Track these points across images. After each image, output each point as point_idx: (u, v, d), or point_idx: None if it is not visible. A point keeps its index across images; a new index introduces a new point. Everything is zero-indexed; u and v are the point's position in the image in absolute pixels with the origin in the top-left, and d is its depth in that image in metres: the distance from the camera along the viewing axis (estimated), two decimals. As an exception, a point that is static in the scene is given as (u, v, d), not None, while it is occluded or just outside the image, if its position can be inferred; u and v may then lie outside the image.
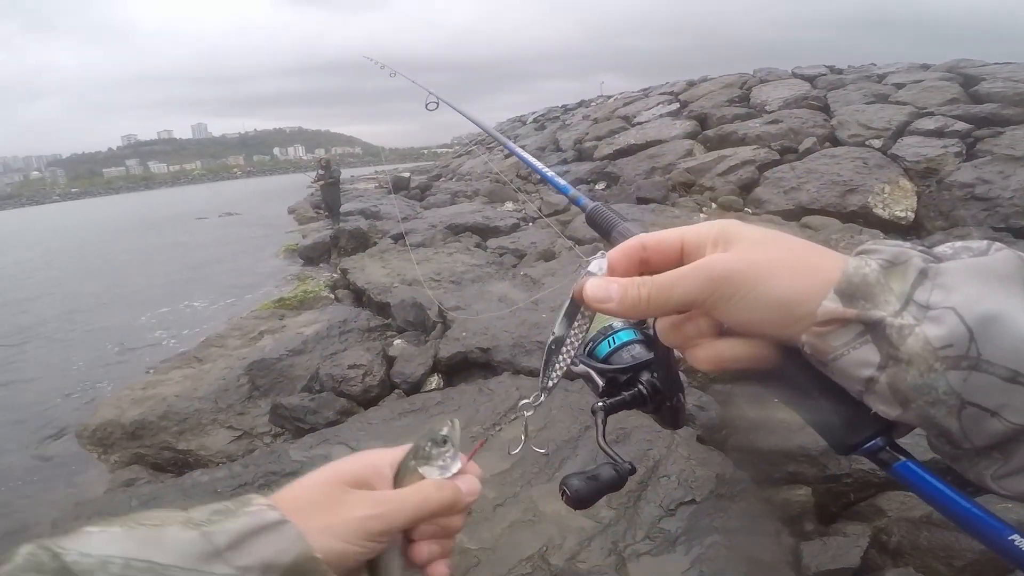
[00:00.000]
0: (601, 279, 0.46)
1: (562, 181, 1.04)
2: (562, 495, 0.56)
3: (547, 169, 1.10)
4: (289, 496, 0.46)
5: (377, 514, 0.45)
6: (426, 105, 2.03)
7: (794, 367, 0.42)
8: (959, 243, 0.38)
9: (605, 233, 0.66)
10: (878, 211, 7.18)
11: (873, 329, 0.35)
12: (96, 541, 0.36)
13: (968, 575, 2.08)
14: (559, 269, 5.44)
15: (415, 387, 3.99)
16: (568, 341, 0.52)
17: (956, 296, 0.34)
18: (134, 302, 9.43)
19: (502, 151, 19.96)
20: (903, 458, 0.41)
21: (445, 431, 0.52)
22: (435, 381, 4.03)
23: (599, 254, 0.49)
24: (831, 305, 0.36)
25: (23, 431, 5.12)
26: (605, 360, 0.61)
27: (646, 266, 0.45)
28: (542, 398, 0.54)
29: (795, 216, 7.57)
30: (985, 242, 0.37)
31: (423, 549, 0.48)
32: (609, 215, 0.68)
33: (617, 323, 0.60)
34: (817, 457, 2.76)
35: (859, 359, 0.36)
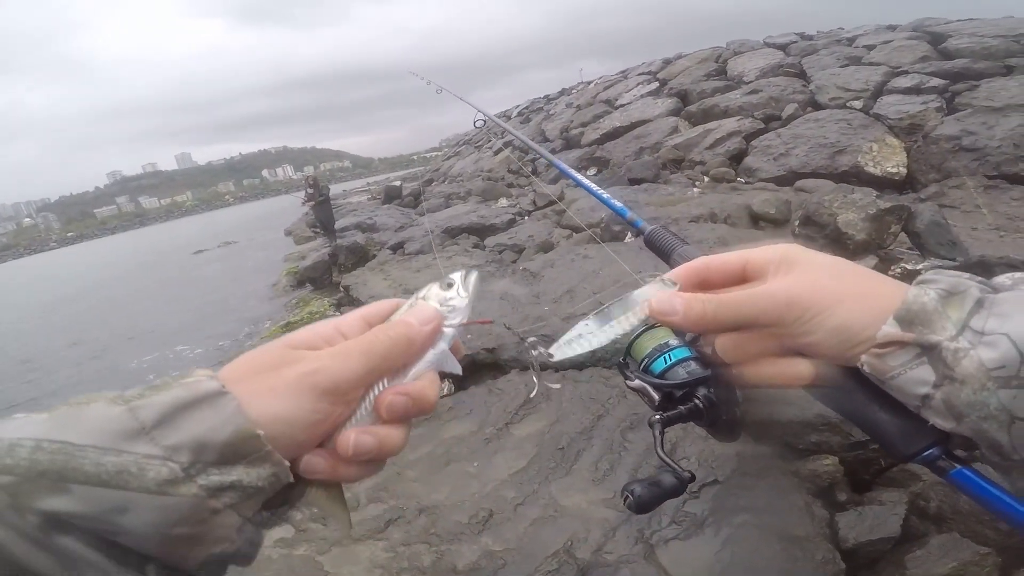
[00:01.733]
0: (667, 293, 0.48)
1: (618, 203, 1.01)
2: (624, 500, 0.60)
3: (599, 188, 1.06)
4: (232, 366, 0.41)
5: (323, 366, 0.40)
6: (474, 123, 2.05)
7: (852, 384, 0.45)
8: (1019, 274, 0.43)
9: (665, 255, 0.67)
10: (870, 169, 7.26)
11: (929, 351, 0.38)
12: (12, 426, 0.33)
13: (1015, 537, 2.04)
14: (557, 260, 5.43)
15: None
16: (597, 333, 0.51)
17: (1010, 324, 0.37)
18: (143, 344, 9.47)
19: (491, 147, 19.95)
20: (959, 466, 0.46)
21: (455, 276, 0.48)
22: (446, 387, 4.04)
23: (460, 275, 0.48)
24: (890, 329, 0.40)
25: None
26: (661, 376, 0.65)
27: (707, 286, 0.49)
28: (554, 357, 0.53)
29: (788, 181, 7.61)
30: None
31: (385, 397, 0.42)
32: (669, 237, 0.68)
33: (673, 340, 0.64)
34: (839, 424, 2.72)
35: (916, 378, 0.39)
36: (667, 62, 16.09)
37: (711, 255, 0.50)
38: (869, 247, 4.48)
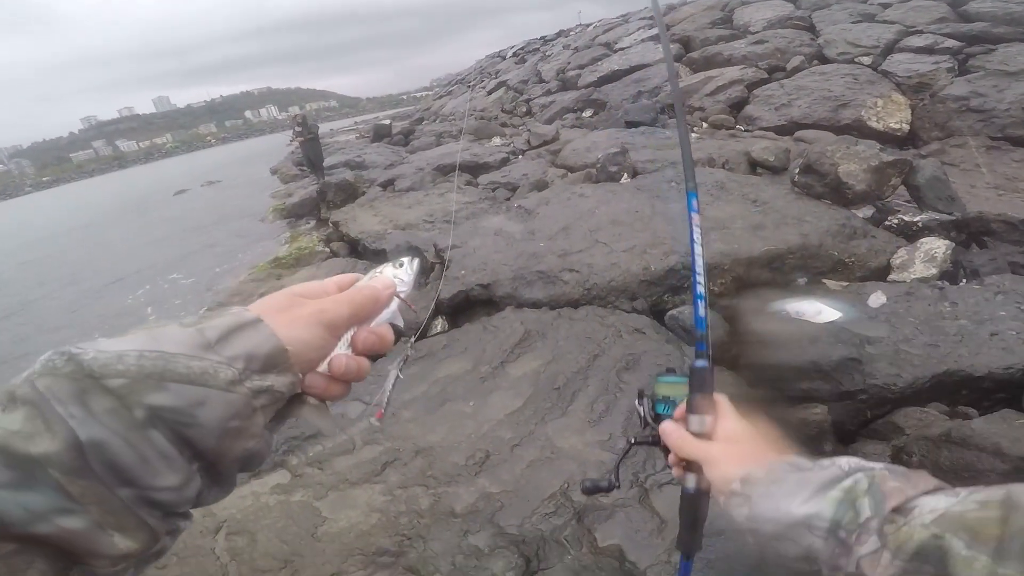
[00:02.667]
0: (675, 428, 0.79)
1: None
2: (581, 484, 0.98)
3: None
4: (256, 305, 0.51)
5: (324, 307, 0.53)
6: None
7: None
8: (842, 461, 0.63)
9: (695, 389, 0.80)
10: (872, 124, 7.21)
11: (746, 499, 0.65)
12: (108, 343, 0.40)
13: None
14: (553, 198, 5.32)
15: (421, 333, 3.96)
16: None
17: (780, 492, 0.63)
18: (128, 284, 9.30)
19: (484, 87, 19.36)
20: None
21: (404, 259, 0.65)
22: (440, 324, 4.00)
23: (407, 259, 0.64)
24: (735, 487, 0.67)
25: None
26: (656, 416, 0.90)
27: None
28: None
29: (788, 131, 7.52)
30: (865, 466, 0.61)
31: (361, 334, 0.56)
32: (711, 382, 0.81)
33: (680, 399, 0.84)
34: (830, 373, 2.73)
35: (737, 511, 0.67)
36: (671, 8, 15.61)
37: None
38: (868, 198, 4.45)
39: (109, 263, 11.24)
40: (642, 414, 0.92)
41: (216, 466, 0.43)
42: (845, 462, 0.62)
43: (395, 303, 0.61)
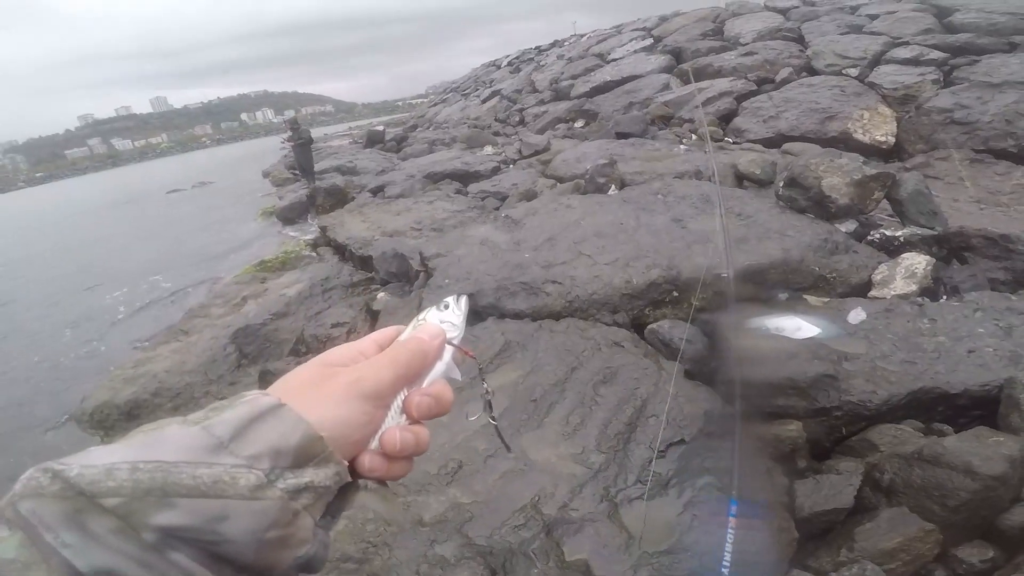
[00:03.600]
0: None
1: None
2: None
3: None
4: (278, 386, 0.45)
5: (361, 375, 0.46)
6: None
7: None
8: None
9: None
10: (858, 136, 7.26)
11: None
12: (97, 454, 0.35)
13: (961, 514, 2.04)
14: (540, 208, 5.32)
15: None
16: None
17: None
18: (115, 282, 9.22)
19: (478, 95, 19.45)
20: None
21: (449, 300, 0.57)
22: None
23: (453, 299, 0.57)
24: None
25: (24, 423, 4.97)
26: None
27: None
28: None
29: (775, 143, 7.57)
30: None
31: (413, 399, 0.49)
32: None
33: None
34: (806, 389, 2.73)
35: None
36: (663, 19, 15.80)
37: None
38: (851, 212, 4.47)
39: (89, 263, 11.14)
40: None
41: None
42: None
43: (448, 353, 0.53)
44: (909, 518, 2.06)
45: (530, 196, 6.40)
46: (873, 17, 10.57)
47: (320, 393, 0.43)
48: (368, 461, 0.45)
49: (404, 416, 0.48)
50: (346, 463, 0.42)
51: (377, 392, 0.45)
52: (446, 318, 0.54)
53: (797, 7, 12.97)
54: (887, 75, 8.25)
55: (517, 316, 3.72)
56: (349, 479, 0.43)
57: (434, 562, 2.02)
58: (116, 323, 7.20)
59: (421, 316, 0.55)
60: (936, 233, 4.19)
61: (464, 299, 0.57)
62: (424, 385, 0.50)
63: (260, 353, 4.74)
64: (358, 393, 0.44)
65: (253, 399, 0.40)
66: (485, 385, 0.60)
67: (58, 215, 24.91)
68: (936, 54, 8.31)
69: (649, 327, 3.42)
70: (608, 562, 1.95)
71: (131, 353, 5.59)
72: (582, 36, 20.58)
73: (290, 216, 10.07)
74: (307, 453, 0.39)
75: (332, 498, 0.41)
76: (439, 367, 0.52)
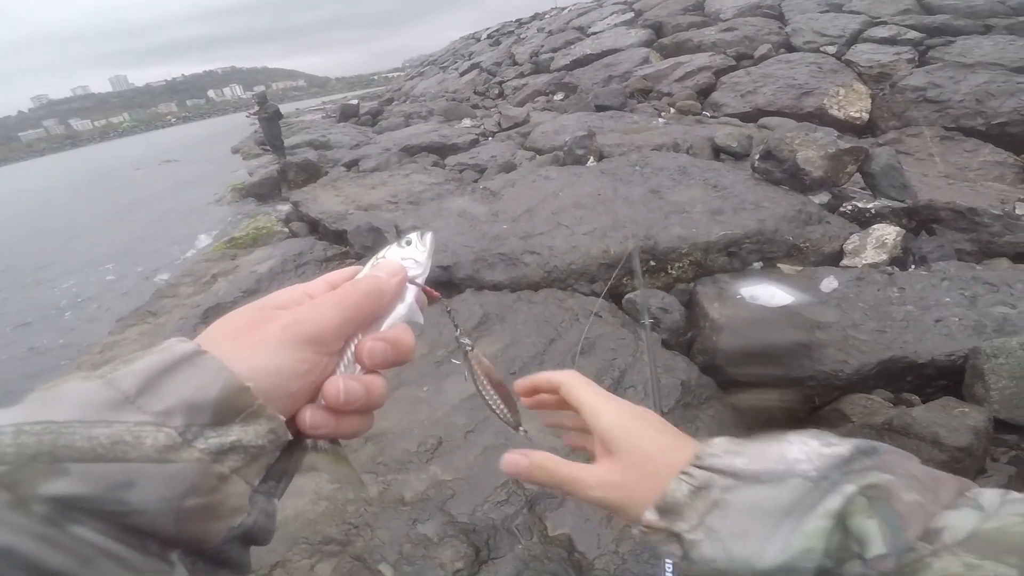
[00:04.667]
0: (516, 454, 0.54)
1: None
2: None
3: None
4: (208, 332, 0.39)
5: (300, 317, 0.40)
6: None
7: None
8: (790, 455, 0.43)
9: None
10: (833, 112, 7.34)
11: (676, 537, 0.45)
12: None
13: None
14: (519, 180, 5.26)
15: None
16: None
17: (727, 527, 0.42)
18: (83, 262, 8.93)
19: (457, 68, 19.12)
20: None
21: (412, 235, 0.51)
22: (397, 306, 3.93)
23: (416, 235, 0.51)
24: (650, 517, 0.46)
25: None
26: None
27: (535, 391, 0.61)
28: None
29: (752, 118, 7.60)
30: (802, 458, 0.43)
31: (365, 344, 0.42)
32: None
33: None
34: (781, 358, 2.77)
35: (669, 551, 0.46)
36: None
37: (538, 375, 0.59)
38: (824, 184, 4.51)
39: (47, 248, 10.76)
40: None
41: (203, 551, 0.33)
42: (804, 454, 0.42)
43: (411, 294, 0.47)
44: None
45: (509, 168, 6.33)
46: (854, -4, 10.62)
47: (252, 338, 0.38)
48: (311, 416, 0.39)
49: (356, 365, 0.42)
50: (282, 419, 0.36)
51: (318, 336, 0.39)
52: (408, 255, 0.49)
53: (778, -16, 12.98)
54: (863, 53, 8.32)
55: (496, 287, 3.69)
56: (289, 437, 0.37)
57: (417, 541, 2.01)
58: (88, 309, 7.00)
59: (381, 254, 0.49)
60: (906, 206, 4.25)
61: (429, 235, 0.51)
62: (382, 329, 0.44)
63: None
64: (295, 337, 0.38)
65: (169, 346, 0.35)
66: (458, 332, 0.55)
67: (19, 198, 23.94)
68: (913, 34, 8.40)
69: (626, 296, 3.43)
70: (590, 536, 1.96)
71: (101, 337, 5.43)
72: (563, 9, 20.29)
73: (261, 192, 9.83)
74: (231, 407, 0.33)
75: (273, 459, 0.36)
76: (400, 309, 0.46)
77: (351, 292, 0.43)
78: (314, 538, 2.05)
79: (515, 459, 0.53)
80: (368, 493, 2.19)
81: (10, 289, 8.41)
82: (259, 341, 0.37)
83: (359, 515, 2.13)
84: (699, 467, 0.46)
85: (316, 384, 0.39)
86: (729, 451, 0.46)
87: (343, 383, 0.40)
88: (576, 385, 0.56)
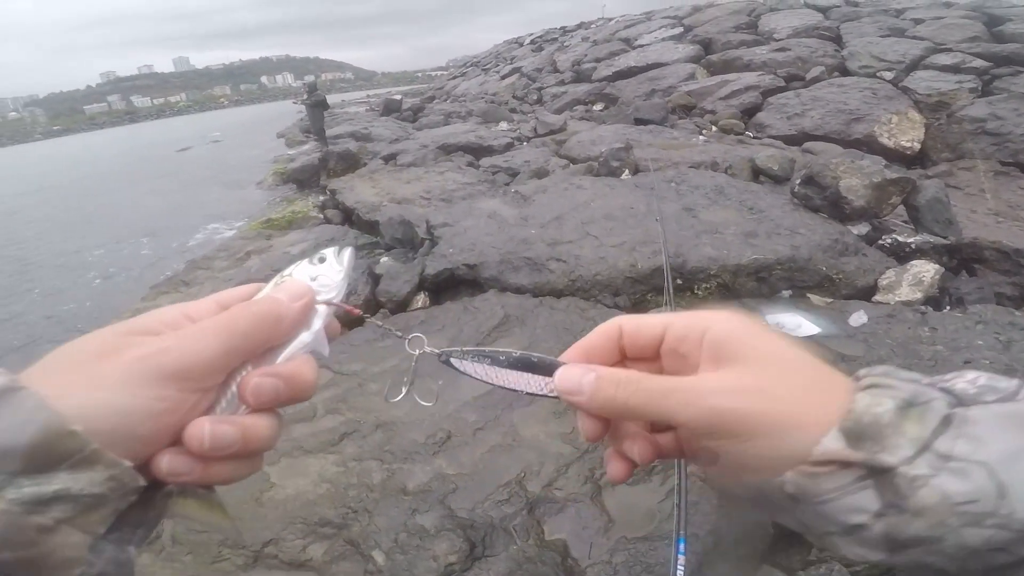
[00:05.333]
0: (577, 367, 0.40)
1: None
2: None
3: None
4: (45, 361, 0.33)
5: (168, 347, 0.34)
6: None
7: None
8: (982, 379, 0.34)
9: None
10: (883, 140, 7.15)
11: (878, 476, 0.31)
12: None
13: None
14: (551, 187, 5.27)
15: (401, 306, 3.92)
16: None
17: (989, 450, 0.30)
18: (121, 235, 9.23)
19: (498, 72, 19.25)
20: None
21: (327, 252, 0.43)
22: (421, 299, 3.96)
23: (333, 251, 0.44)
24: (834, 445, 0.31)
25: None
26: None
27: (622, 354, 0.42)
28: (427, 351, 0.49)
29: (796, 141, 7.47)
30: (1016, 382, 0.33)
31: (250, 380, 0.36)
32: None
33: None
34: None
35: (853, 505, 0.32)
36: (696, 9, 15.54)
37: (627, 317, 0.42)
38: (865, 214, 4.40)
39: (101, 220, 11.14)
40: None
41: None
42: (993, 379, 0.34)
43: (319, 319, 0.41)
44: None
45: (541, 174, 6.34)
46: (918, 22, 10.35)
47: (95, 371, 0.32)
48: (168, 463, 0.34)
49: (238, 403, 0.37)
50: (129, 464, 0.32)
51: (187, 370, 0.34)
52: (321, 274, 0.42)
53: (839, 6, 12.73)
54: (923, 80, 8.10)
55: (519, 291, 3.70)
56: (141, 483, 0.32)
57: (413, 531, 2.02)
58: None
59: (288, 270, 0.43)
60: (948, 242, 4.12)
61: (348, 252, 0.45)
62: (279, 360, 0.38)
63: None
64: (153, 371, 0.33)
65: None
66: (407, 342, 0.48)
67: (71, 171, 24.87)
68: (978, 63, 8.12)
69: (650, 312, 3.40)
70: (586, 544, 1.95)
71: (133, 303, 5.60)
72: (610, 20, 20.26)
73: (301, 178, 10.04)
74: (52, 452, 0.29)
75: (125, 506, 0.32)
76: (303, 338, 0.40)
77: (239, 317, 0.37)
78: (311, 519, 2.07)
79: (575, 373, 0.39)
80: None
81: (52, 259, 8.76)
82: (103, 374, 0.32)
83: (359, 500, 2.15)
84: (888, 381, 0.33)
85: (180, 424, 0.34)
86: (911, 375, 0.34)
87: (209, 427, 0.34)
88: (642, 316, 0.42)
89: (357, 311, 0.45)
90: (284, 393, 0.37)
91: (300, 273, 0.42)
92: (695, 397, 0.35)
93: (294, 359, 0.39)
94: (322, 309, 0.41)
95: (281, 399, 0.37)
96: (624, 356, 0.42)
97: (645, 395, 0.36)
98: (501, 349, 0.46)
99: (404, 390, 0.49)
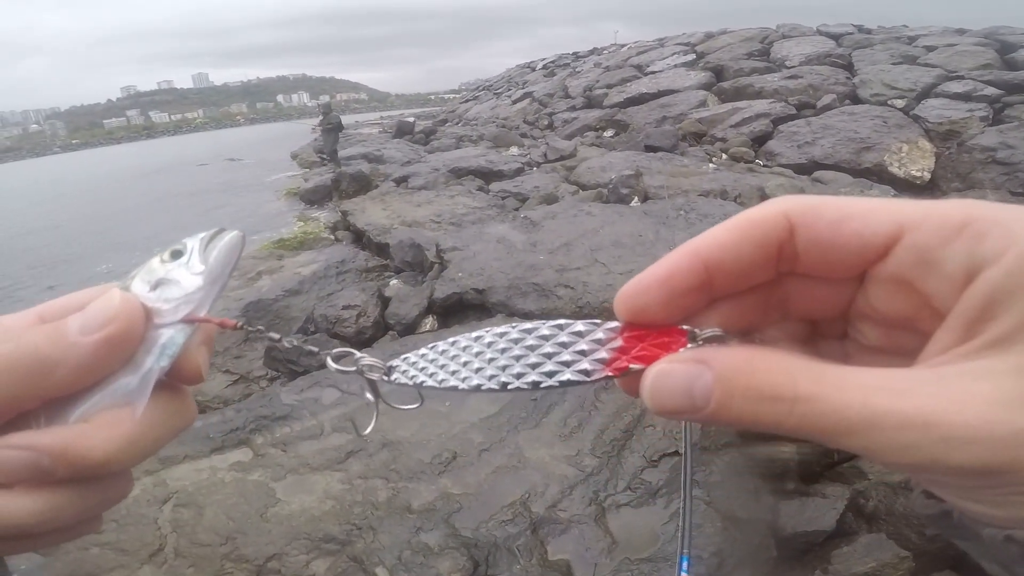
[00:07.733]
0: (682, 362, 0.24)
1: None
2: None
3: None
4: None
5: None
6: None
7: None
8: None
9: None
10: (893, 169, 7.14)
11: None
12: None
13: (936, 544, 2.04)
14: (560, 212, 5.33)
15: (409, 328, 3.96)
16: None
17: None
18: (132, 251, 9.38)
19: (510, 96, 19.52)
20: None
21: (190, 241, 0.32)
22: (429, 323, 4.00)
23: (200, 239, 0.31)
24: None
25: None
26: None
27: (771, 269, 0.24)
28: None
29: (807, 170, 7.50)
30: None
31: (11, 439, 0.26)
32: None
33: None
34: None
35: None
36: (709, 35, 15.72)
37: (804, 198, 0.26)
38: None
39: (110, 235, 11.33)
40: None
41: None
42: None
43: (158, 350, 0.29)
44: (886, 544, 2.07)
45: (551, 200, 6.41)
46: (930, 49, 10.35)
47: None
48: None
49: None
50: None
51: None
52: (171, 278, 0.30)
53: (851, 33, 12.81)
54: (934, 108, 8.09)
55: (526, 316, 3.73)
56: None
57: (417, 549, 2.04)
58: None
59: (136, 271, 0.31)
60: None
61: (227, 239, 0.33)
62: (78, 413, 0.27)
63: (269, 328, 4.71)
64: None
65: None
66: (358, 355, 0.37)
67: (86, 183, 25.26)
68: (991, 90, 8.11)
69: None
70: (589, 565, 1.95)
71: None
72: (622, 46, 20.55)
73: (313, 198, 10.19)
74: None
75: None
76: (124, 383, 0.28)
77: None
78: (315, 535, 2.09)
79: (686, 370, 0.25)
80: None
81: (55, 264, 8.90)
82: None
83: (364, 517, 2.17)
84: None
85: None
86: None
87: None
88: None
89: (231, 322, 0.34)
90: (46, 468, 0.25)
91: (144, 277, 0.30)
92: (974, 432, 0.19)
93: (94, 416, 0.27)
94: (166, 333, 0.29)
95: (40, 475, 0.26)
96: (778, 268, 0.26)
97: (845, 424, 0.20)
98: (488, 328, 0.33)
99: (373, 420, 0.40)
